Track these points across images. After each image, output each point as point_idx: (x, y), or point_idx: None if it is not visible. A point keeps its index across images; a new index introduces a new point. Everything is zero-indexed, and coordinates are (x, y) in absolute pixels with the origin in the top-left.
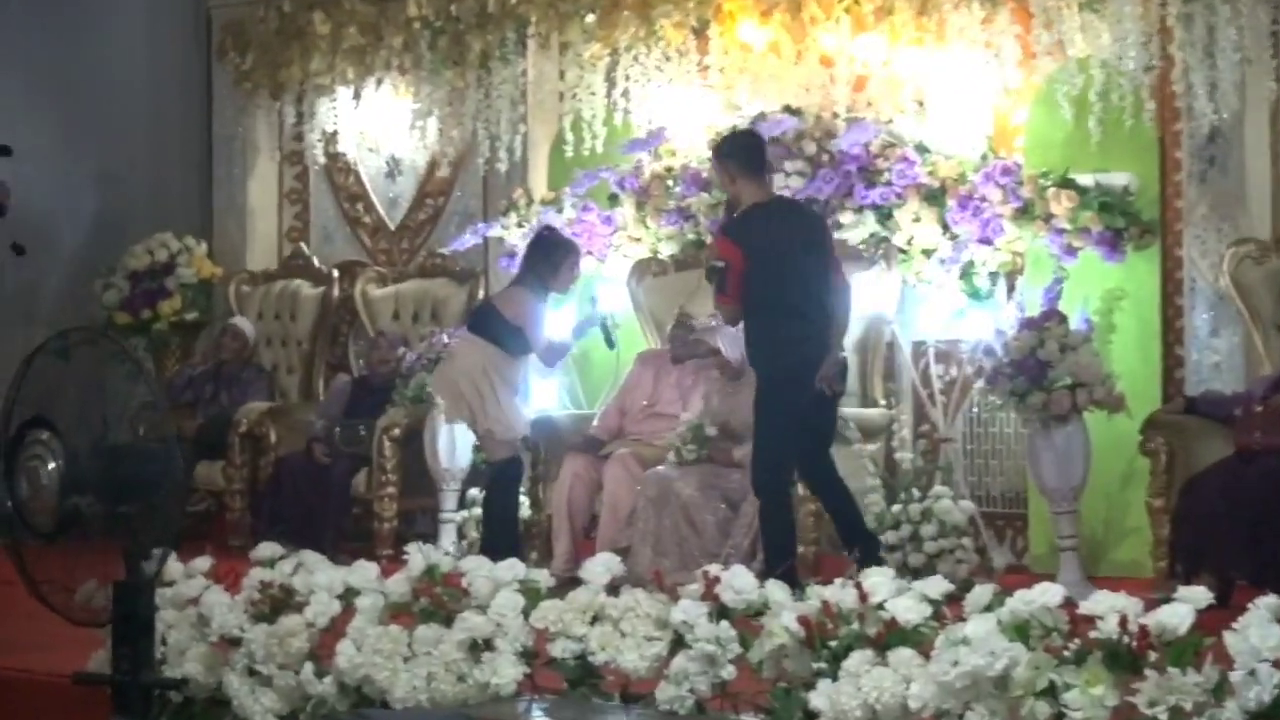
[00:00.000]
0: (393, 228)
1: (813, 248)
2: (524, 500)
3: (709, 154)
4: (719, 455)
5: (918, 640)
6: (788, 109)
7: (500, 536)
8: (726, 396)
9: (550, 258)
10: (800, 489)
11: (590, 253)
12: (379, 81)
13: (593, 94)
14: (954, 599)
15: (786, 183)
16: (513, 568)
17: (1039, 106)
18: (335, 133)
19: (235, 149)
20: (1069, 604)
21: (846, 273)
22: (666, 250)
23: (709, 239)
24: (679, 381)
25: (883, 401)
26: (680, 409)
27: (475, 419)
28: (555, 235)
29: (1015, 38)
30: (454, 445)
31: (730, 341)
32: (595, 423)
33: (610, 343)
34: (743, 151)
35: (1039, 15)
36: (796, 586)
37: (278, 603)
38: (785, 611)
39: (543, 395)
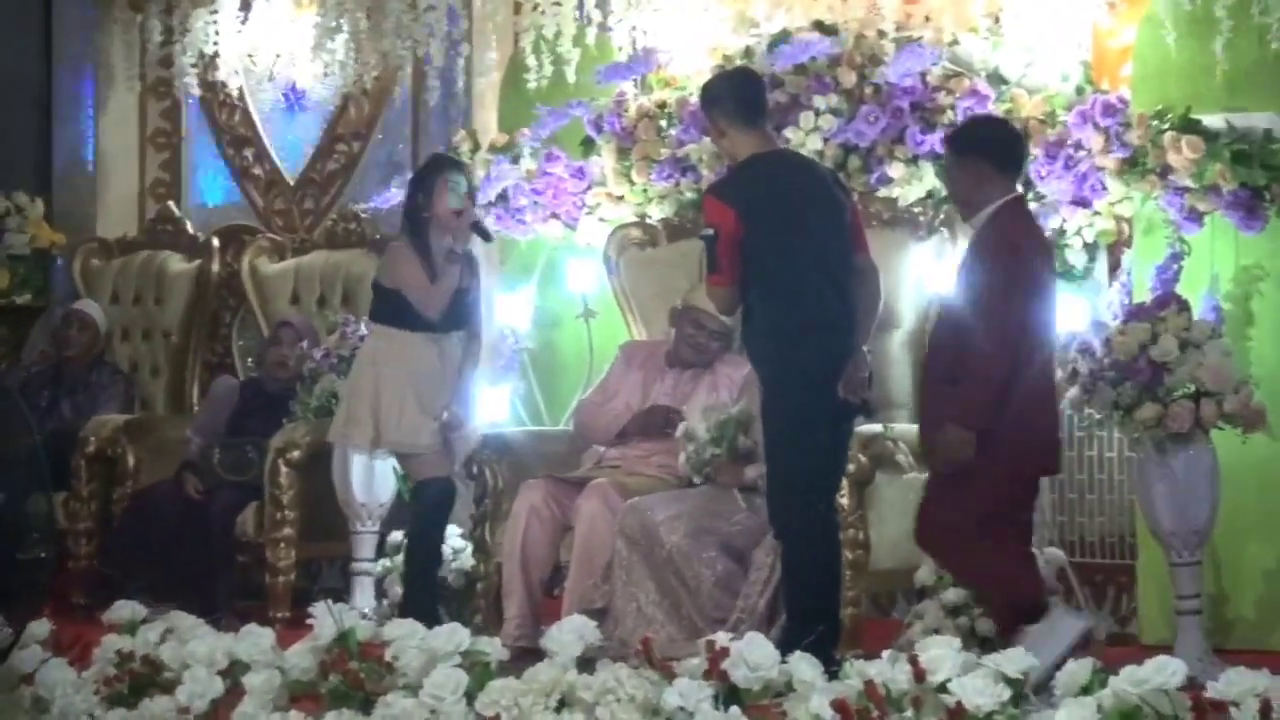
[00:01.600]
0: (292, 181)
1: (828, 214)
2: (462, 545)
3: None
4: (727, 475)
5: None
6: (819, 26)
7: (420, 591)
8: (756, 400)
9: (417, 184)
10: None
11: (556, 216)
12: None
13: (559, 4)
14: None
15: (817, 123)
16: (453, 635)
17: (1151, 24)
18: (215, 55)
19: (81, 76)
20: (1192, 685)
21: (893, 244)
22: (657, 213)
23: None
24: (675, 389)
25: None
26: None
27: (373, 434)
28: (430, 158)
29: None
30: (372, 472)
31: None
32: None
33: (485, 235)
34: (734, 95)
35: None
36: (830, 661)
37: (140, 680)
38: (816, 694)
39: (490, 406)
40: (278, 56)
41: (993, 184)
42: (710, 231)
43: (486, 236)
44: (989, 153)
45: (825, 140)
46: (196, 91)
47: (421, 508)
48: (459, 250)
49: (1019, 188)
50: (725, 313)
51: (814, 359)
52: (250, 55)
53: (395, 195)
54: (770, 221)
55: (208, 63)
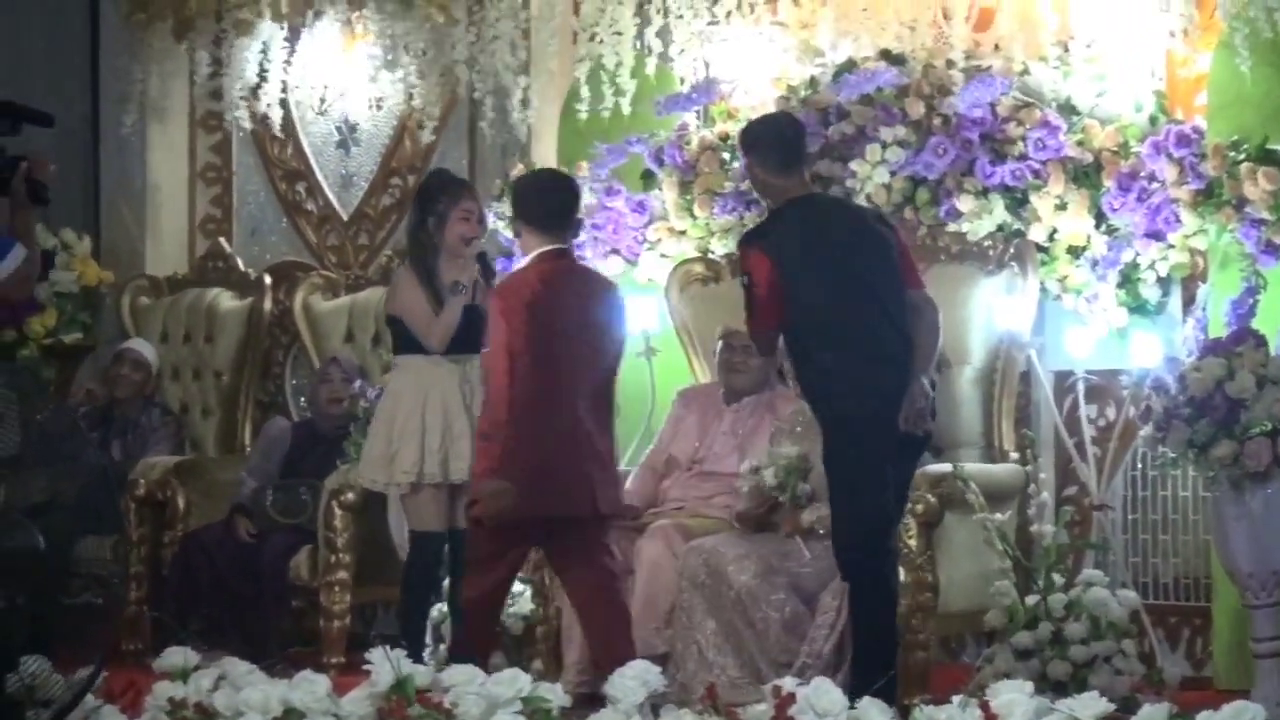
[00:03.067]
0: (346, 217)
1: (873, 252)
2: (521, 589)
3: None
4: (788, 522)
5: None
6: (886, 55)
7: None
8: (800, 439)
9: (426, 207)
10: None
11: (617, 251)
12: (319, 15)
13: (619, 34)
14: None
15: (884, 155)
16: (513, 681)
17: (1226, 52)
18: (265, 86)
19: (129, 110)
20: None
21: (962, 278)
22: (720, 248)
23: None
24: (734, 427)
25: (1015, 455)
26: (738, 464)
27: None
28: (436, 176)
29: None
30: None
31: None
32: (627, 486)
33: (488, 271)
34: (771, 142)
35: None
36: (900, 706)
37: None
38: None
39: None
40: (326, 88)
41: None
42: (745, 279)
43: (489, 273)
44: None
45: (893, 173)
46: (247, 125)
47: (410, 563)
48: (465, 284)
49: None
50: (765, 354)
51: (873, 394)
52: (302, 86)
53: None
54: (811, 266)
55: (257, 94)
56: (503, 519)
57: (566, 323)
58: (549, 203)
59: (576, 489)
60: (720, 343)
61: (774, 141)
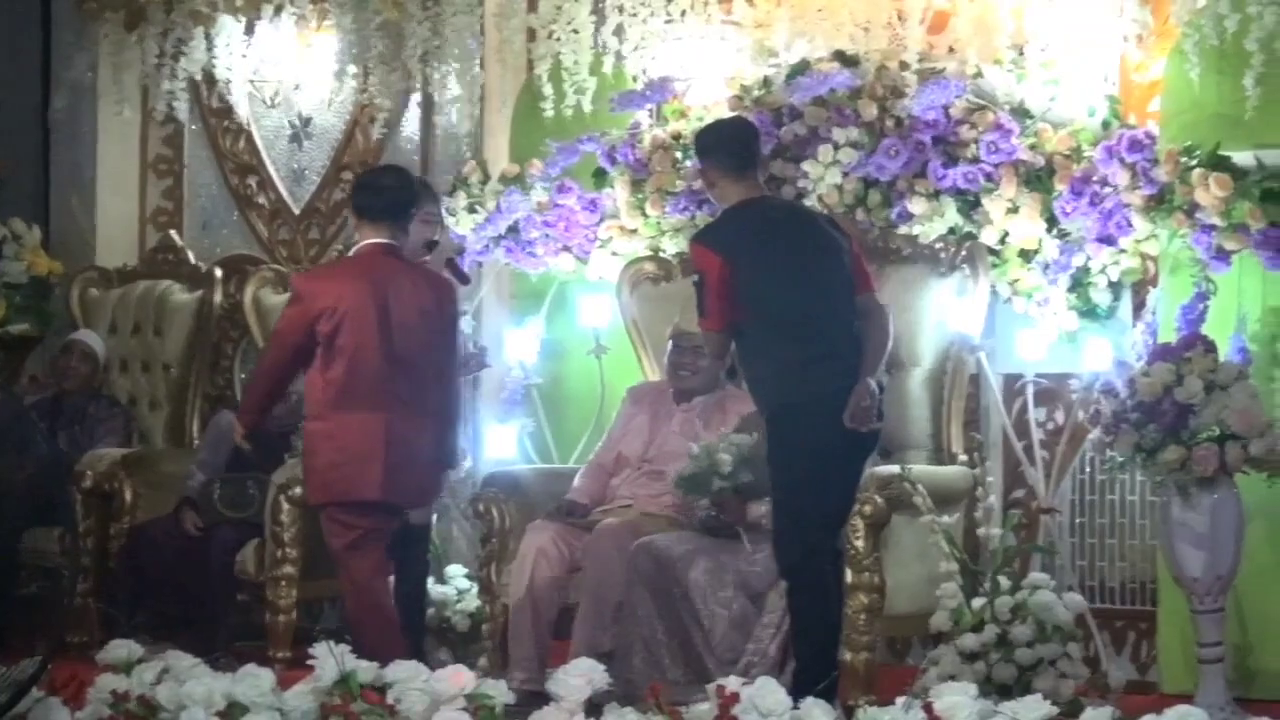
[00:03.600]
0: (297, 211)
1: (824, 254)
2: (468, 585)
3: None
4: (732, 511)
5: None
6: (840, 56)
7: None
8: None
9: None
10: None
11: (568, 249)
12: (279, 9)
13: (575, 32)
14: None
15: (836, 156)
16: (457, 678)
17: (1180, 58)
18: (216, 80)
19: (81, 101)
20: None
21: (913, 280)
22: (671, 247)
23: None
24: (685, 427)
25: (963, 457)
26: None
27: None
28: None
29: None
30: None
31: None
32: (575, 483)
33: (462, 278)
34: (725, 146)
35: None
36: (845, 707)
37: None
38: None
39: (498, 443)
40: (280, 82)
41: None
42: (696, 278)
43: (463, 279)
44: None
45: (845, 174)
46: (184, 116)
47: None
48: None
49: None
50: (718, 356)
51: (818, 392)
52: (255, 80)
53: None
54: (760, 265)
55: (211, 87)
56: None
57: (376, 317)
58: (385, 199)
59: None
60: (670, 344)
61: (728, 145)
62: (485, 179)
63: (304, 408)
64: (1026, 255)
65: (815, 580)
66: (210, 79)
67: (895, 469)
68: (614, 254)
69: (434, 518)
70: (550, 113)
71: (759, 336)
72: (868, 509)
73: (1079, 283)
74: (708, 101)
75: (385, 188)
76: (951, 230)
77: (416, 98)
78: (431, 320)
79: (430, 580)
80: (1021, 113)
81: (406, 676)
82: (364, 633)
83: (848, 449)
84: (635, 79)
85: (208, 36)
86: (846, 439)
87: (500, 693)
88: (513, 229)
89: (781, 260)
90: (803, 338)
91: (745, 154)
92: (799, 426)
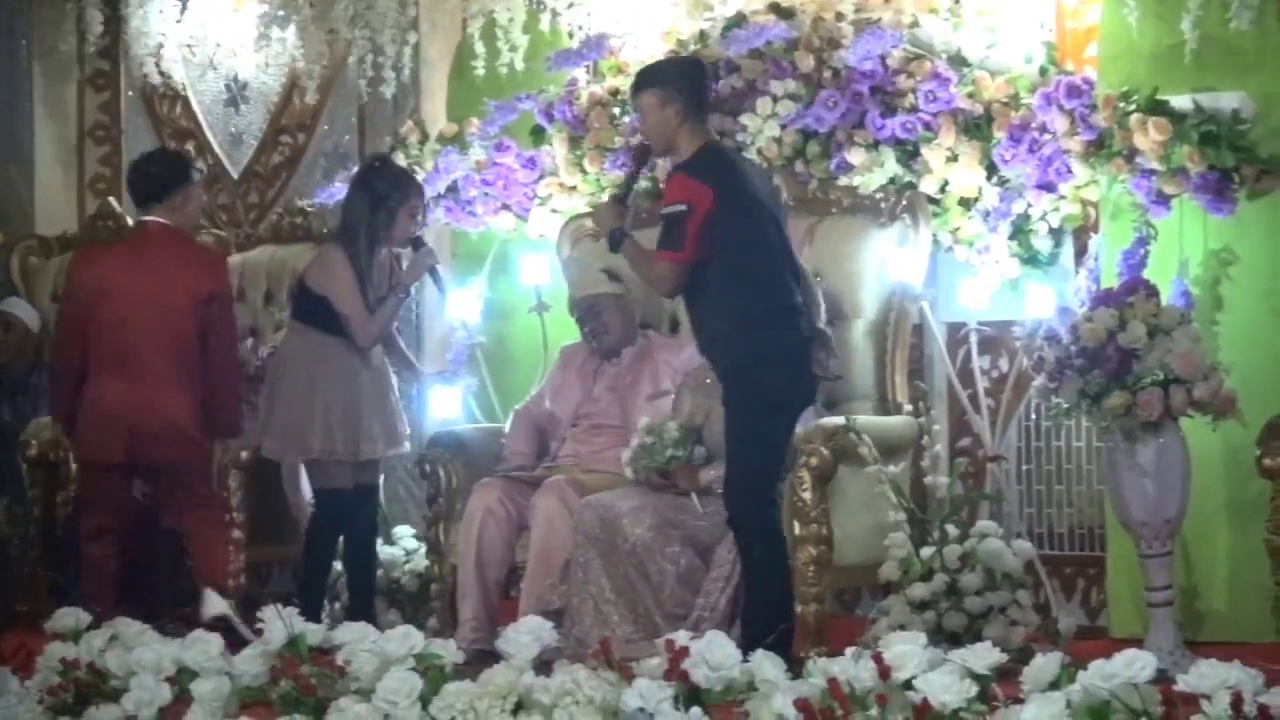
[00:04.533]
0: (236, 175)
1: (780, 209)
2: (415, 546)
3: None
4: (685, 479)
5: None
6: (775, 8)
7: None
8: (703, 395)
9: (377, 198)
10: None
11: (508, 207)
12: None
13: None
14: (1008, 673)
15: (774, 109)
16: (406, 638)
17: (1116, 4)
18: (159, 46)
19: (17, 66)
20: (1163, 679)
21: (854, 231)
22: None
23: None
24: (615, 381)
25: (908, 407)
26: (622, 416)
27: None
28: (385, 166)
29: None
30: None
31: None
32: (508, 444)
33: (440, 289)
34: (697, 84)
35: None
36: (793, 659)
37: (85, 689)
38: (779, 693)
39: (441, 404)
40: (218, 46)
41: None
42: (682, 208)
43: (439, 285)
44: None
45: (783, 126)
46: (152, 79)
47: (313, 525)
48: (403, 295)
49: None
50: (671, 293)
51: (783, 342)
52: (190, 45)
53: (341, 189)
54: (740, 207)
55: (150, 52)
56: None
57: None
58: (152, 183)
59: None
60: (576, 314)
61: (698, 83)
62: (424, 139)
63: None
64: (967, 204)
65: (770, 528)
66: (150, 46)
67: (840, 420)
68: (554, 211)
69: (380, 478)
70: (482, 72)
71: (722, 284)
72: (814, 460)
73: (1020, 230)
74: (644, 57)
75: (147, 173)
76: (891, 180)
77: (354, 59)
78: (181, 296)
79: (379, 541)
80: (959, 61)
81: (355, 638)
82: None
83: (801, 400)
84: (571, 36)
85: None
86: (802, 390)
87: (449, 652)
88: (452, 188)
89: (756, 206)
90: (769, 287)
91: (707, 93)
92: (761, 378)
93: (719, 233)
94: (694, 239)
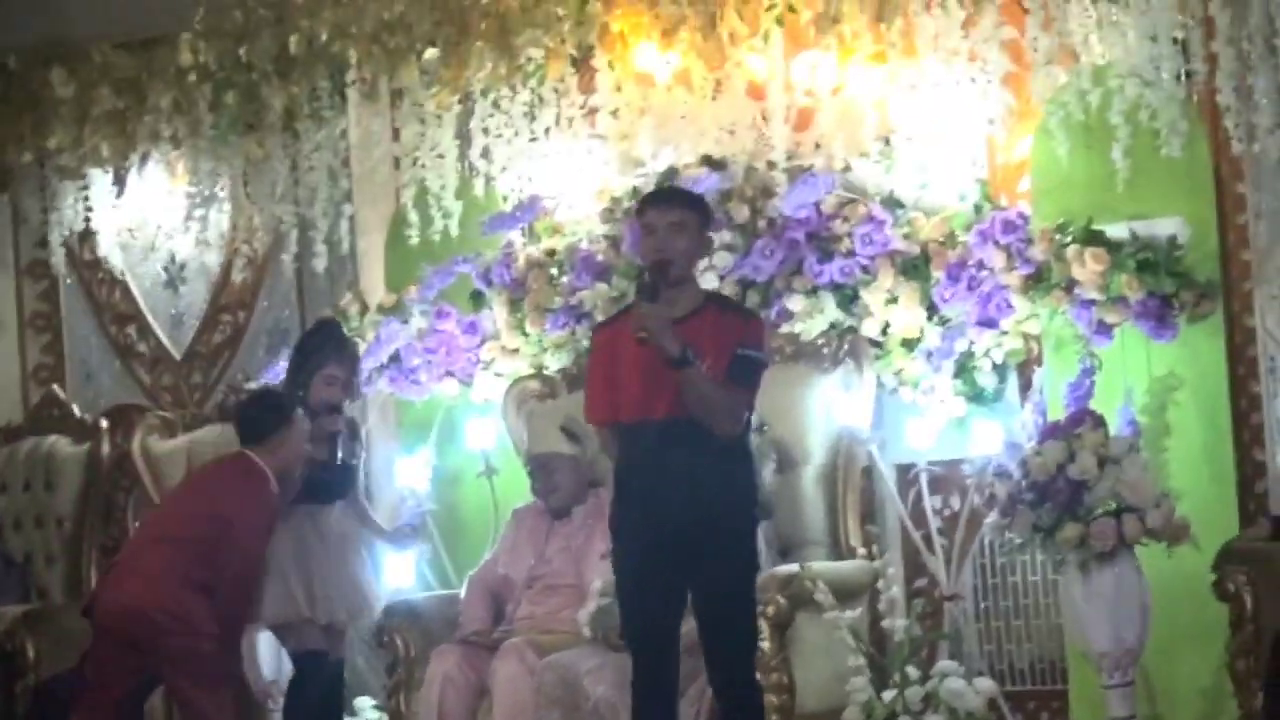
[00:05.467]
0: (179, 356)
1: None
2: (376, 716)
3: (607, 225)
4: None
5: None
6: (707, 160)
7: None
8: None
9: (301, 357)
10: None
11: (451, 373)
12: (145, 158)
13: (440, 156)
14: None
15: (711, 261)
16: None
17: (1045, 136)
18: (90, 231)
19: None
20: None
21: (797, 379)
22: (554, 363)
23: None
24: (568, 540)
25: (862, 551)
26: (576, 575)
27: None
28: (319, 329)
29: (1006, 44)
30: (279, 649)
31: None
32: (464, 611)
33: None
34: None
35: (1036, 12)
36: None
37: None
38: None
39: (397, 572)
40: (158, 228)
41: None
42: (763, 356)
43: (334, 455)
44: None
45: (721, 277)
46: (65, 271)
47: (304, 681)
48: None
49: None
50: (736, 432)
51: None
52: (128, 229)
53: (284, 366)
54: None
55: (83, 240)
56: None
57: None
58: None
59: None
60: (528, 469)
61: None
62: (364, 310)
63: None
64: (909, 344)
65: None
66: (83, 234)
67: (794, 568)
68: (497, 375)
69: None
70: (416, 240)
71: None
72: (771, 609)
73: (963, 368)
74: (579, 216)
75: (251, 416)
76: (832, 325)
77: (284, 235)
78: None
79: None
80: (893, 203)
81: None
82: None
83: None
84: (505, 198)
85: (81, 192)
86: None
87: None
88: (394, 358)
89: None
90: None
91: None
92: (751, 550)
93: None
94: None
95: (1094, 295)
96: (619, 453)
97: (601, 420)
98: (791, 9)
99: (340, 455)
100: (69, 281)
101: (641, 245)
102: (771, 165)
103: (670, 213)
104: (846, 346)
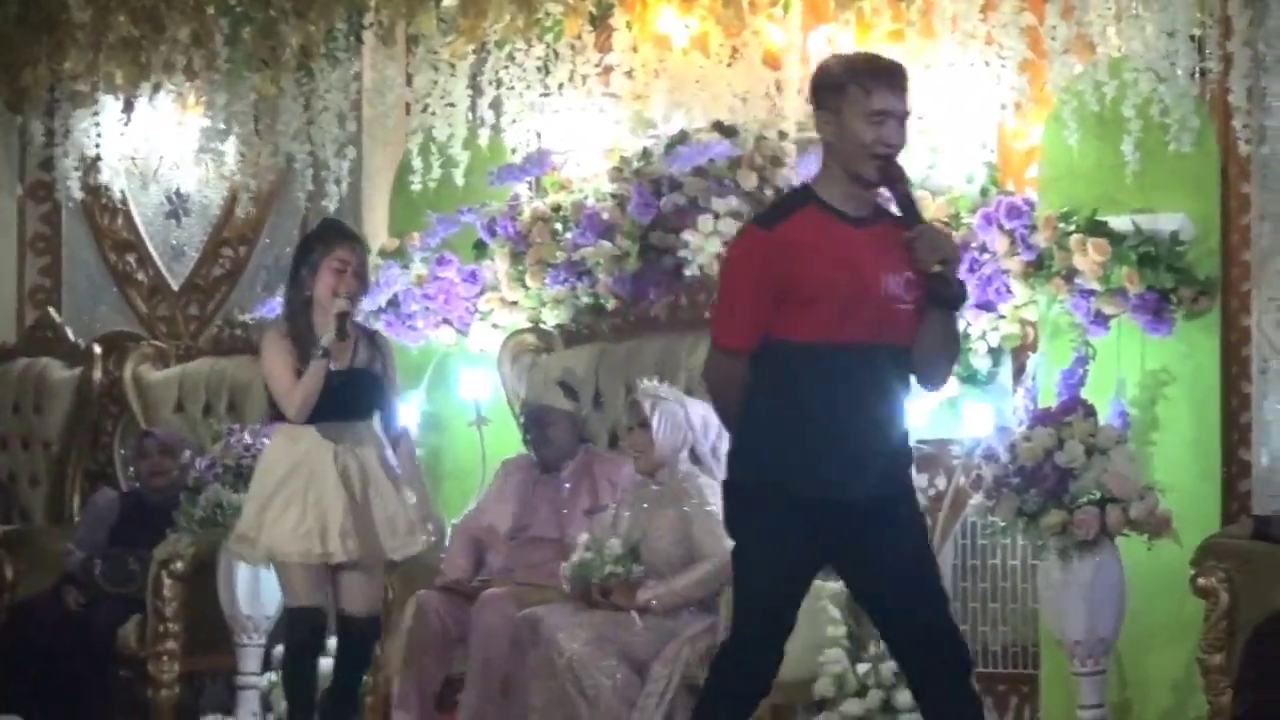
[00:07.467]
0: (176, 287)
1: None
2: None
3: (615, 184)
4: (623, 596)
5: None
6: (718, 127)
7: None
8: (641, 512)
9: (300, 256)
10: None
11: (448, 321)
12: (157, 87)
13: (451, 105)
14: None
15: (717, 226)
16: None
17: (1057, 125)
18: (98, 157)
19: None
20: None
21: None
22: (552, 319)
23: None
24: (554, 494)
25: None
26: (559, 529)
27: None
28: (323, 221)
29: (1025, 31)
30: (258, 584)
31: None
32: (446, 558)
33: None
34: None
35: (1056, 1)
36: None
37: None
38: None
39: None
40: (161, 159)
41: None
42: None
43: (342, 334)
44: None
45: (725, 244)
46: (78, 194)
47: (292, 640)
48: (326, 345)
49: None
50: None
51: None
52: (134, 157)
53: (280, 303)
54: None
55: (90, 165)
56: None
57: None
58: None
59: None
60: (522, 420)
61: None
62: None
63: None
64: None
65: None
66: (90, 160)
67: None
68: (494, 326)
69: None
70: (418, 187)
71: None
72: None
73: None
74: (586, 174)
75: None
76: None
77: (295, 173)
78: None
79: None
80: None
81: None
82: None
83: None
84: (514, 151)
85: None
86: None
87: None
88: (392, 302)
89: None
90: None
91: None
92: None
93: None
94: None
95: (1093, 285)
96: (782, 383)
97: (745, 345)
98: None
99: (355, 362)
100: (71, 205)
101: (866, 130)
102: (783, 135)
103: (906, 100)
104: None
